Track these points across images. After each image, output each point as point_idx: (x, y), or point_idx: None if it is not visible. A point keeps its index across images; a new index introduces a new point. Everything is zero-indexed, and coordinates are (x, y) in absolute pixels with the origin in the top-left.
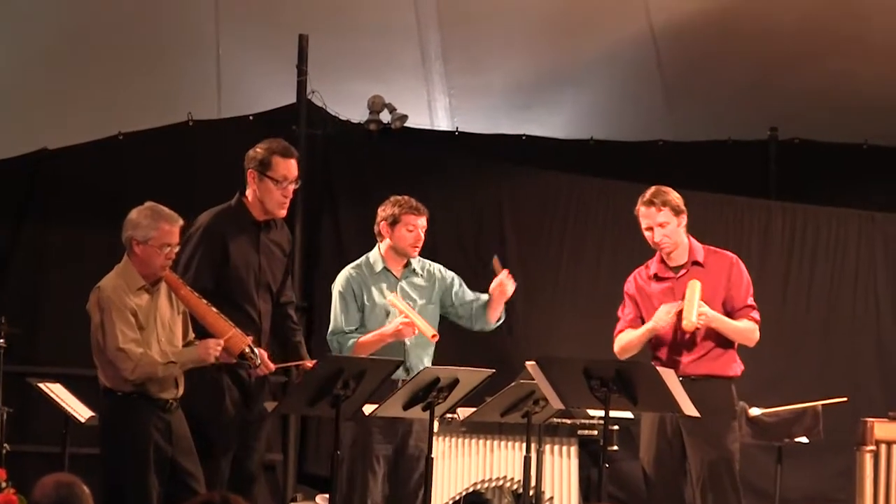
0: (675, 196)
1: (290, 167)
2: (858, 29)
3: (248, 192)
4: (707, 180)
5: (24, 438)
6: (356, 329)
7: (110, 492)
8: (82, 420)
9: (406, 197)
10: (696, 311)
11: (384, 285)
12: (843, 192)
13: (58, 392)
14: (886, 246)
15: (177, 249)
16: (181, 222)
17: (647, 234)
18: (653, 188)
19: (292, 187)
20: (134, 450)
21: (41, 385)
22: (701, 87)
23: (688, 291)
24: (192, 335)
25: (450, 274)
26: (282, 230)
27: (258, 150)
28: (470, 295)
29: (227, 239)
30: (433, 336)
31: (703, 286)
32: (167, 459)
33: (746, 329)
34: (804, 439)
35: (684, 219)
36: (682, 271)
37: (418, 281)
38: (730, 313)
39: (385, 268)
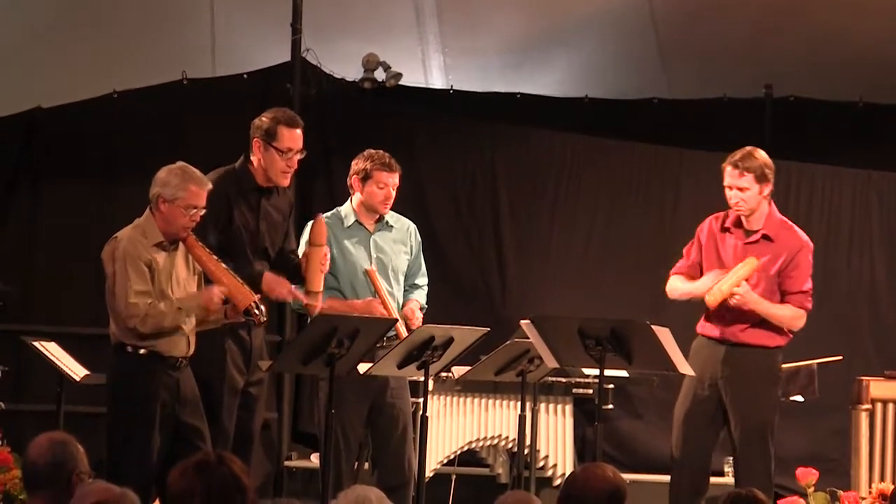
0: (763, 162)
1: (295, 138)
2: None
3: (253, 159)
4: (702, 138)
5: (18, 397)
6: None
7: (114, 446)
8: (77, 378)
9: (380, 152)
10: (730, 288)
11: (356, 239)
12: (838, 151)
13: (52, 350)
14: (881, 204)
15: (202, 213)
16: (210, 186)
17: (727, 192)
18: (746, 149)
19: (297, 157)
20: (141, 407)
21: (36, 343)
22: (696, 45)
23: (737, 266)
24: None
25: (419, 240)
26: (283, 196)
27: (264, 118)
28: (413, 272)
29: (230, 200)
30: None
31: (761, 263)
32: (173, 417)
33: (786, 315)
34: (799, 398)
35: (768, 188)
36: (753, 237)
37: (391, 234)
38: (783, 294)
39: (357, 221)
